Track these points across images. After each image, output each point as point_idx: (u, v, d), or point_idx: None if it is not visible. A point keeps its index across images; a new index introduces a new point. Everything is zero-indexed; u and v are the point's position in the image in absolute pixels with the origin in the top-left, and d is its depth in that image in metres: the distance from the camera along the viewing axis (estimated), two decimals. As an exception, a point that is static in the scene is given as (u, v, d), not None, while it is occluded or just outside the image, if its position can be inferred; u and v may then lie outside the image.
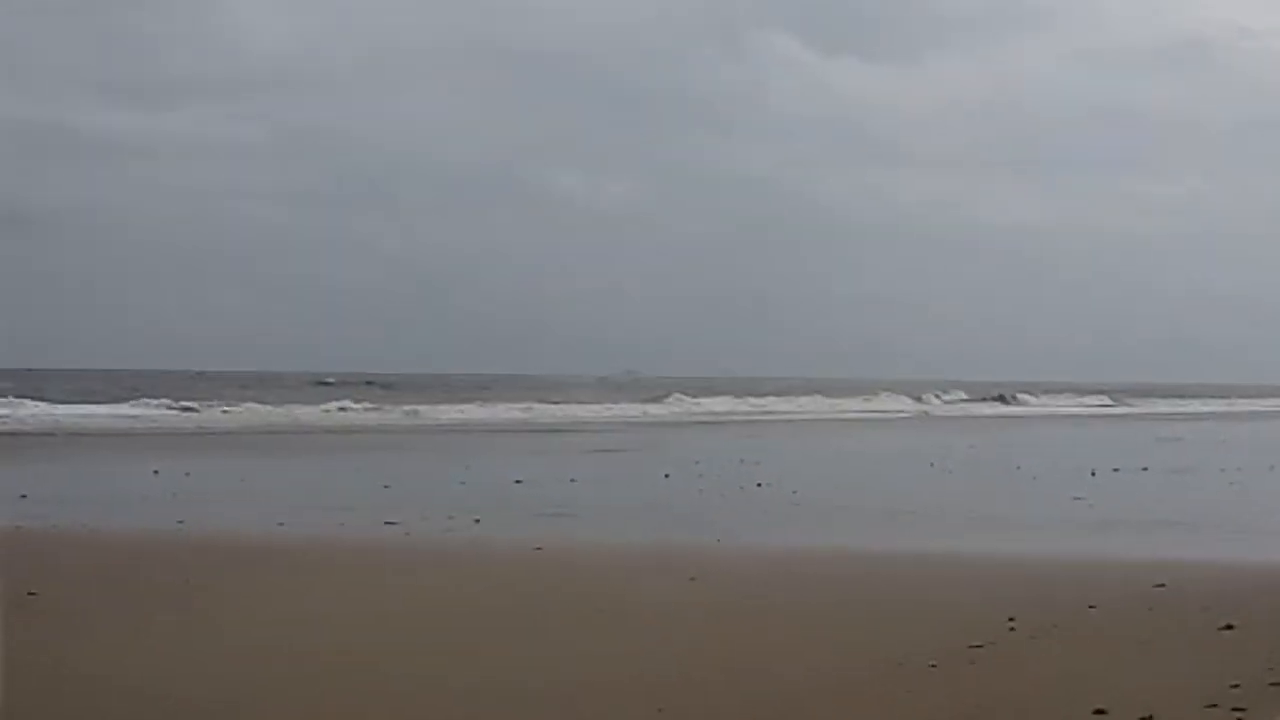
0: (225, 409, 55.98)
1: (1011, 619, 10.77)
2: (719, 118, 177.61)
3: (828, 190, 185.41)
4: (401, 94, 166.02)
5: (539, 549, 15.75)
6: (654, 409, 70.93)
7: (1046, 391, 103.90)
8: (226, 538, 17.14)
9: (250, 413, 55.65)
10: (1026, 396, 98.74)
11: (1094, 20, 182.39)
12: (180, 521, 18.55)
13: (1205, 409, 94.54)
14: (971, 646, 9.75)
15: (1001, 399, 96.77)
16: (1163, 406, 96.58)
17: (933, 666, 9.24)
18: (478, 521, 18.66)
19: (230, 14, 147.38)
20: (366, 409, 60.26)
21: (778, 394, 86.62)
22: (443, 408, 62.56)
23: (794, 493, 24.18)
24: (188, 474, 27.60)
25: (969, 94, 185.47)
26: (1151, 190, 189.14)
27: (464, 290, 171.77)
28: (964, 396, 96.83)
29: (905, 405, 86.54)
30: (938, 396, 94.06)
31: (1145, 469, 30.01)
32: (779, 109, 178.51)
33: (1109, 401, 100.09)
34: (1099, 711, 7.88)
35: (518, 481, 25.66)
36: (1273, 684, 8.33)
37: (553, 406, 66.89)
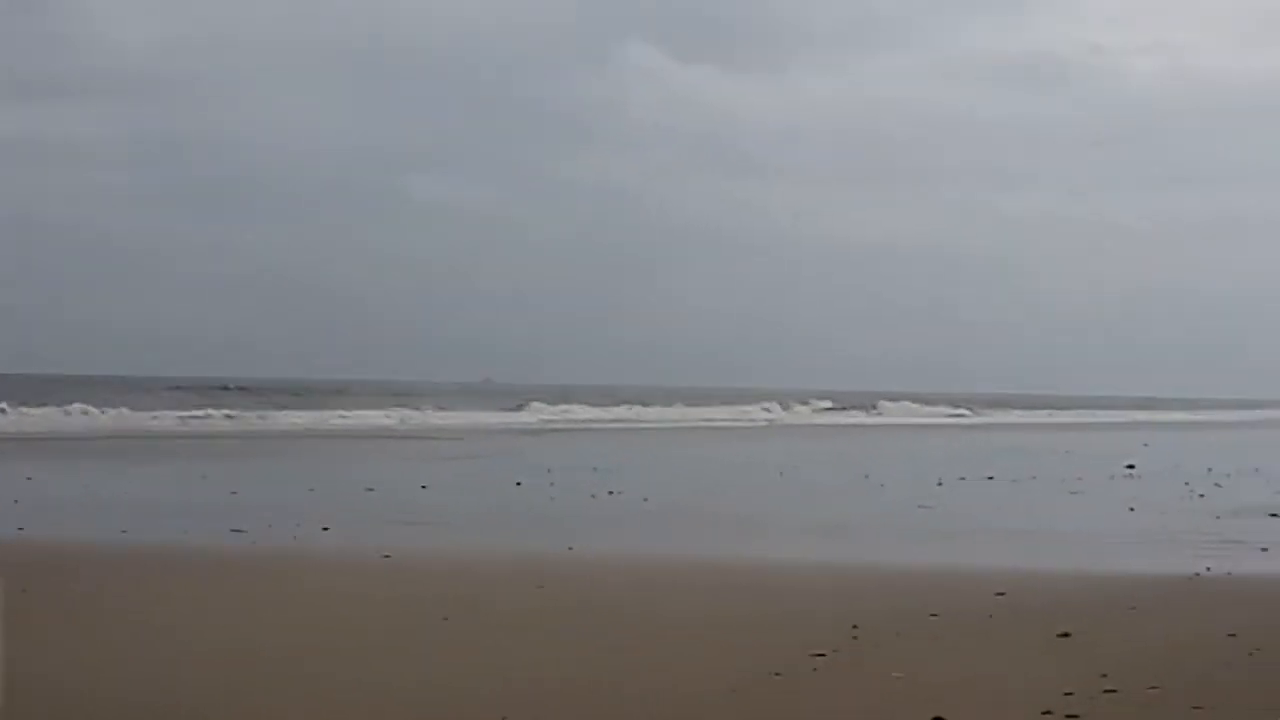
0: (83, 412, 54.84)
1: (855, 627, 10.88)
2: (579, 125, 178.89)
3: (688, 200, 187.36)
4: (257, 97, 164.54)
5: (387, 556, 15.57)
6: (514, 417, 70.80)
7: (911, 401, 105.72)
8: (70, 545, 16.70)
9: (107, 418, 54.46)
10: (887, 405, 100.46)
11: (952, 36, 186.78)
12: (20, 529, 18.03)
13: (1057, 420, 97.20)
14: (814, 655, 9.81)
15: (866, 408, 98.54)
16: (1016, 417, 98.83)
17: (776, 675, 9.27)
18: (326, 529, 18.39)
19: (84, 14, 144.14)
20: (226, 415, 59.22)
21: (639, 402, 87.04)
22: (299, 414, 61.78)
23: (645, 500, 24.21)
24: (29, 479, 26.81)
25: (831, 107, 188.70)
26: (1007, 203, 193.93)
27: (321, 295, 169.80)
28: (830, 405, 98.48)
29: (764, 414, 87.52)
30: (804, 405, 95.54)
31: (990, 478, 30.59)
32: (640, 118, 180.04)
33: (966, 412, 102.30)
34: (937, 719, 7.99)
35: (369, 489, 25.36)
36: (1106, 691, 8.51)
37: (412, 413, 66.44)
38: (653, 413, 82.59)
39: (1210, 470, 34.05)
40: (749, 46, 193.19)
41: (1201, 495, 26.28)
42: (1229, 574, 14.34)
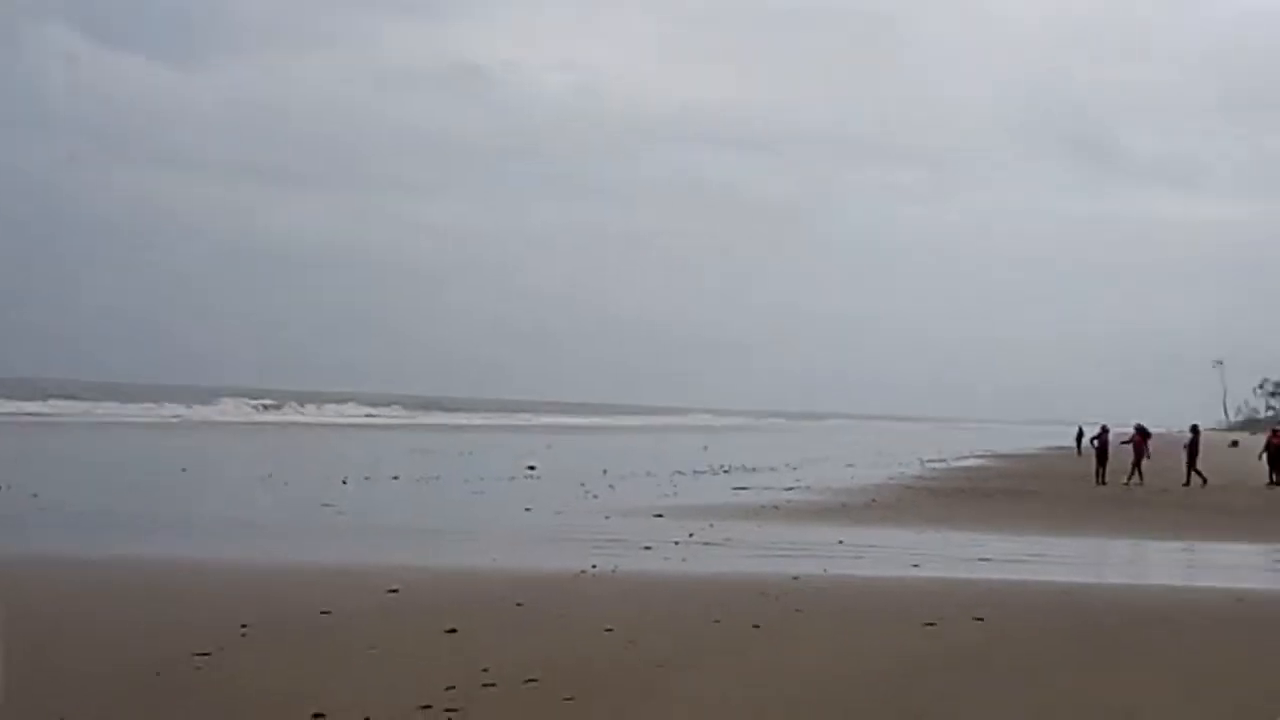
0: None
1: (245, 625, 10.58)
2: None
3: (104, 191, 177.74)
4: None
5: None
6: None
7: (356, 402, 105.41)
8: None
9: None
10: (330, 406, 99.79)
11: (375, 40, 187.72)
12: None
13: (479, 422, 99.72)
14: (198, 654, 9.43)
15: (289, 407, 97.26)
16: (443, 419, 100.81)
17: (157, 675, 8.84)
18: None
19: None
20: None
21: (63, 396, 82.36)
22: None
23: (36, 496, 22.69)
24: None
25: (255, 104, 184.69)
26: (425, 210, 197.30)
27: None
28: (264, 403, 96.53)
29: (178, 411, 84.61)
30: (224, 402, 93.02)
31: (396, 478, 30.88)
32: (55, 104, 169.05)
33: (403, 412, 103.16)
34: (317, 715, 7.86)
35: None
36: (486, 685, 8.66)
37: None
38: (65, 406, 78.37)
39: (606, 472, 35.97)
40: (176, 33, 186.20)
41: (595, 496, 27.66)
42: (613, 571, 15.08)
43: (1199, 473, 38.32)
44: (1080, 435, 39.35)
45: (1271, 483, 37.78)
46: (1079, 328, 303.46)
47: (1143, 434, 39.54)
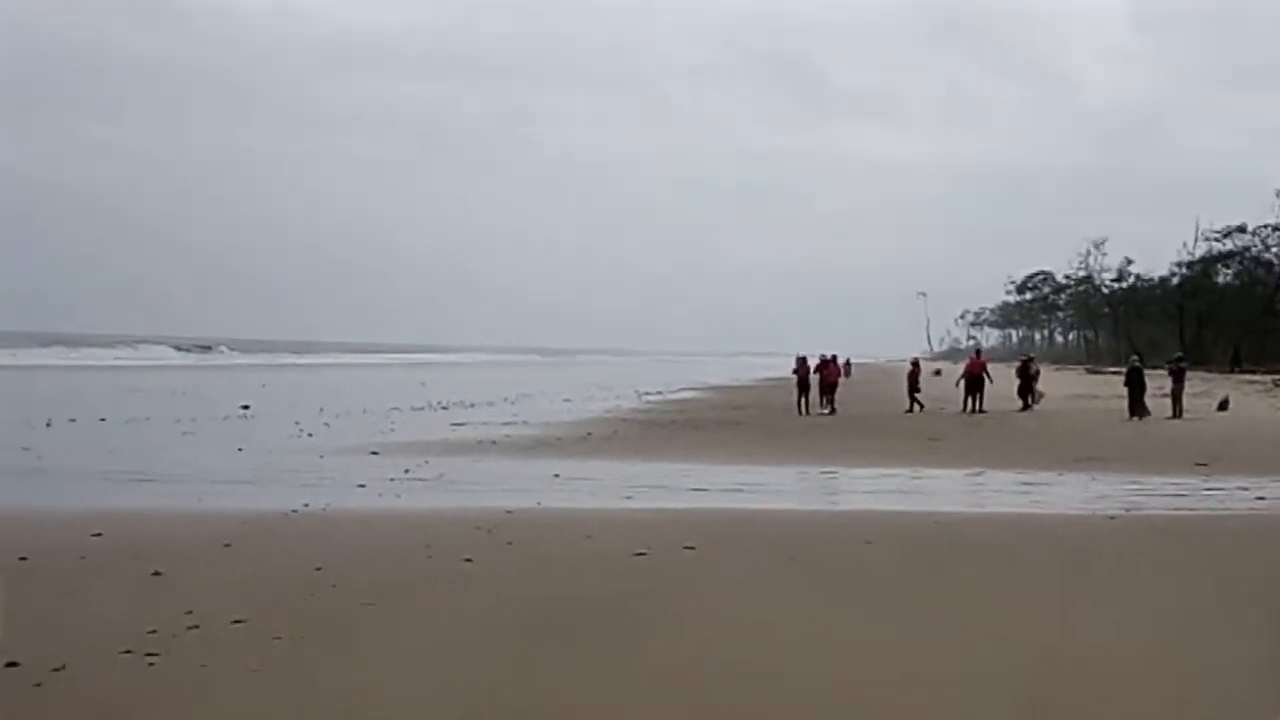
0: None
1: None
2: None
3: None
4: None
5: None
6: None
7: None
8: None
9: None
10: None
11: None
12: None
13: (203, 362, 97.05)
14: (-122, 606, 8.99)
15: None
16: (175, 359, 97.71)
17: None
18: None
19: None
20: None
21: None
22: None
23: None
24: None
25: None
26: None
27: None
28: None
29: None
30: None
31: (104, 420, 29.80)
32: None
33: (130, 352, 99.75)
34: (11, 664, 7.61)
35: None
36: (190, 627, 8.53)
37: None
38: None
39: (322, 410, 35.50)
40: None
41: (310, 435, 27.29)
42: (324, 509, 14.96)
43: (917, 399, 40.46)
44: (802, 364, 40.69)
45: (967, 410, 39.89)
46: (794, 260, 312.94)
47: (829, 363, 41.27)
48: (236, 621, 8.72)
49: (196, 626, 8.57)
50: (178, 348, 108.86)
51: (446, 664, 7.85)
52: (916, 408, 40.29)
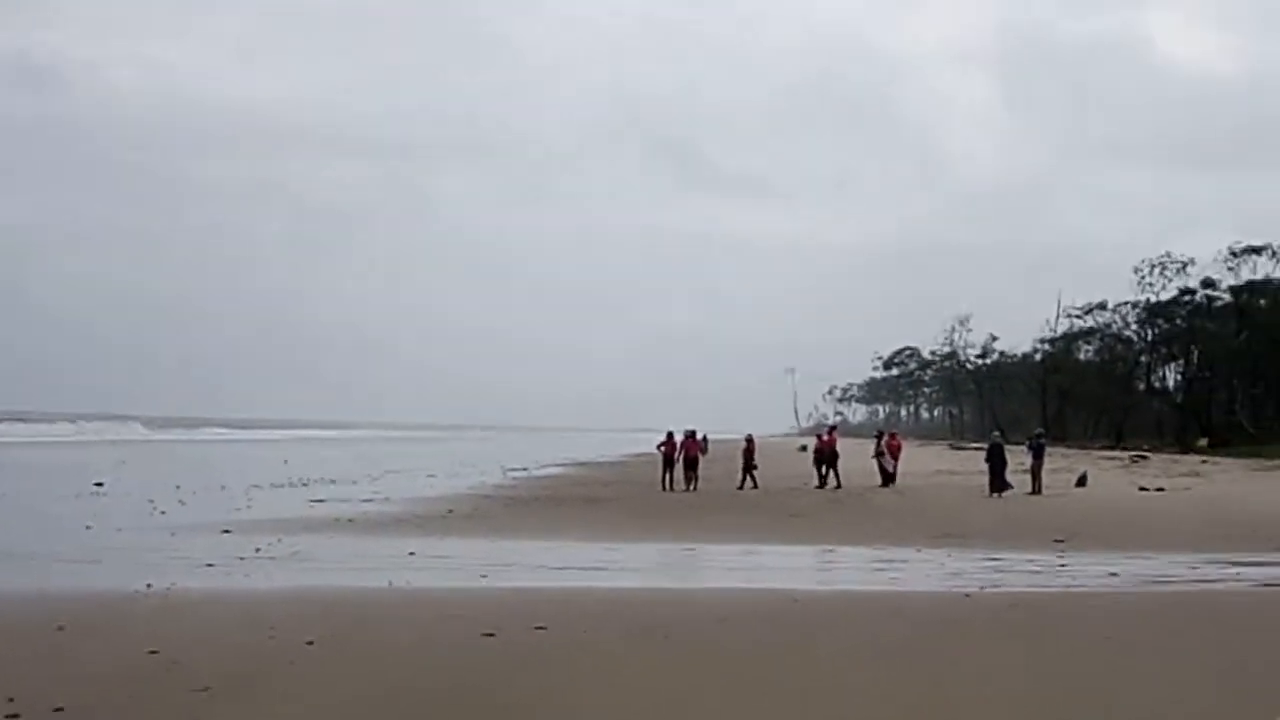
0: None
1: None
2: None
3: None
4: None
5: None
6: None
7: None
8: None
9: None
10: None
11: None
12: None
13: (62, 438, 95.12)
14: None
15: None
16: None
17: None
18: None
19: None
20: None
21: None
22: None
23: None
24: None
25: None
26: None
27: None
28: None
29: None
30: None
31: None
32: None
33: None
34: None
35: None
36: (9, 716, 8.17)
37: None
38: None
39: (179, 487, 34.69)
40: None
41: (163, 512, 26.63)
42: (168, 589, 14.51)
43: (753, 476, 40.62)
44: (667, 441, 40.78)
45: (824, 485, 40.22)
46: (669, 335, 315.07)
47: (691, 439, 41.34)
48: (56, 710, 8.36)
49: (16, 715, 8.21)
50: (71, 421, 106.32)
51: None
52: (749, 484, 40.42)
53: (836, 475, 40.71)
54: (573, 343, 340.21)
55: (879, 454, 42.66)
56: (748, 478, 40.77)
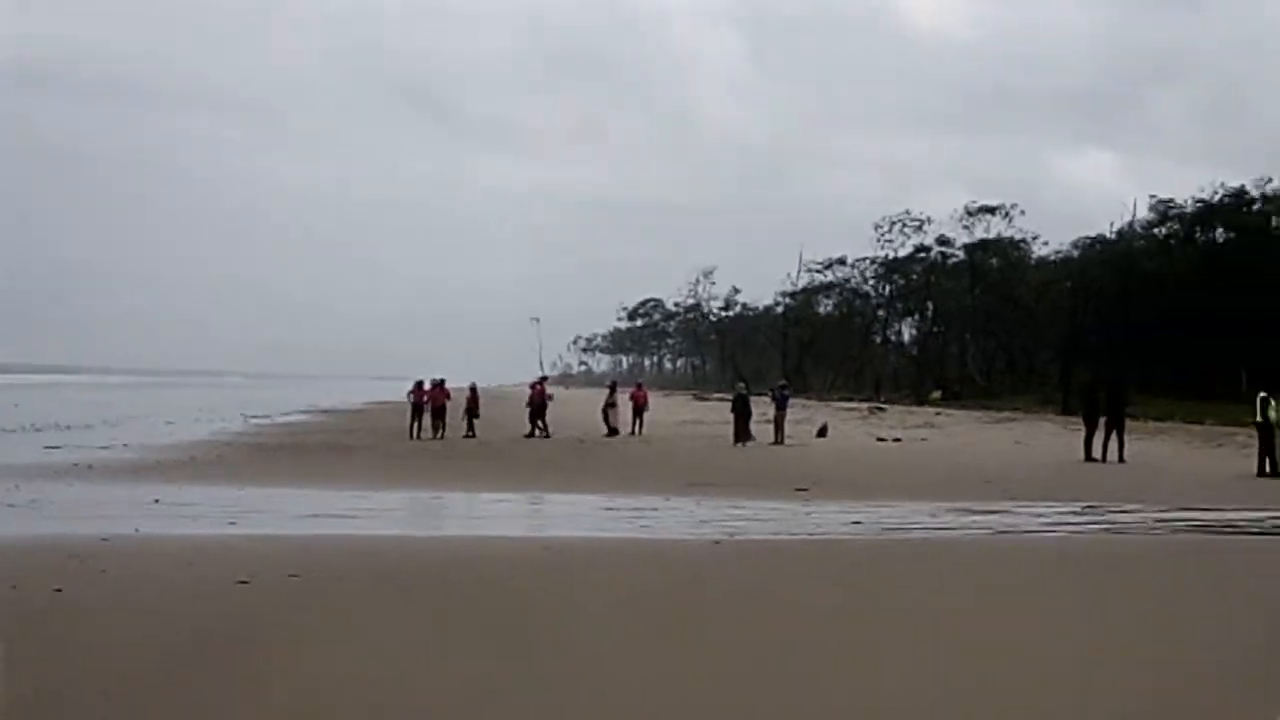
0: None
1: None
2: None
3: None
4: None
5: None
6: None
7: None
8: None
9: None
10: None
11: None
12: None
13: None
14: None
15: None
16: None
17: None
18: None
19: None
20: None
21: None
22: None
23: None
24: None
25: None
26: None
27: None
28: None
29: None
30: None
31: None
32: None
33: None
34: None
35: None
36: None
37: None
38: None
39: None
40: None
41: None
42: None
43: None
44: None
45: (531, 433, 40.58)
46: (417, 285, 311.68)
47: (438, 388, 41.38)
48: None
49: None
50: None
51: (28, 707, 7.35)
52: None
53: (545, 425, 41.35)
54: (319, 291, 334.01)
55: (609, 405, 43.18)
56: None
